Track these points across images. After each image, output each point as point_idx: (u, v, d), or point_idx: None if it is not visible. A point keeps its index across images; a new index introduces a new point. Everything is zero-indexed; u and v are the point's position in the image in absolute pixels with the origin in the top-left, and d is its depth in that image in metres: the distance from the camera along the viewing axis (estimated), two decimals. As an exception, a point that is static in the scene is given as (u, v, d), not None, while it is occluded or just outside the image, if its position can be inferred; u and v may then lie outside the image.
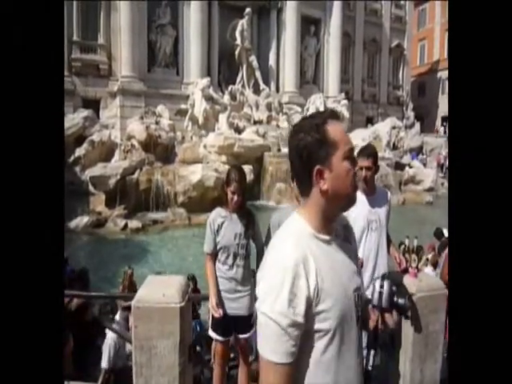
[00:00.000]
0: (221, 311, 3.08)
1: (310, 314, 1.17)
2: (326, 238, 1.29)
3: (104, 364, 4.36)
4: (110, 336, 4.44)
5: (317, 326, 1.20)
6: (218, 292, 3.15)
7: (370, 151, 3.33)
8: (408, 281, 3.26)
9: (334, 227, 1.35)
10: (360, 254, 3.17)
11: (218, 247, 3.17)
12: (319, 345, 1.22)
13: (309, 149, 1.24)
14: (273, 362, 1.16)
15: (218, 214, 3.20)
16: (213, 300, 3.10)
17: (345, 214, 3.26)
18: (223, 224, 3.16)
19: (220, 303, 3.12)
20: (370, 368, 1.76)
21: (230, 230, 3.15)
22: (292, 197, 3.49)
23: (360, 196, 3.27)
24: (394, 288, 1.59)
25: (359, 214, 3.22)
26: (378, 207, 3.31)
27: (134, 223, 13.27)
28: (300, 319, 1.15)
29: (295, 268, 1.16)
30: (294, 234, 1.26)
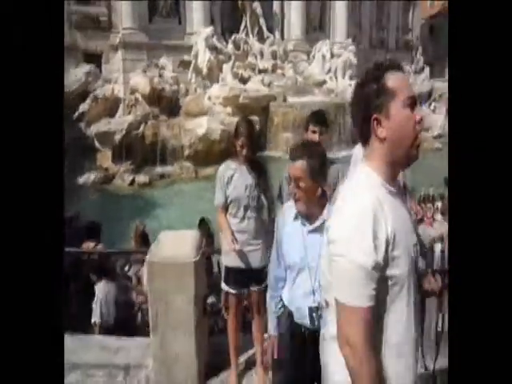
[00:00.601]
0: (237, 246, 3.03)
1: (386, 258, 1.21)
2: (393, 189, 1.32)
3: (95, 318, 4.48)
4: (101, 289, 4.52)
5: (390, 271, 1.23)
6: (233, 233, 3.11)
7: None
8: (425, 230, 3.27)
9: (397, 181, 1.39)
10: None
11: (229, 200, 3.14)
12: (392, 292, 1.25)
13: (367, 98, 1.31)
14: (356, 306, 1.19)
15: (227, 167, 3.16)
16: (228, 235, 3.06)
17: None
18: (233, 176, 3.11)
19: (235, 238, 3.07)
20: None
21: (240, 181, 3.10)
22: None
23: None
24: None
25: None
26: None
27: (141, 178, 13.32)
28: (382, 261, 1.19)
29: (374, 212, 1.19)
30: (365, 182, 1.29)
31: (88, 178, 13.06)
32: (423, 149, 16.67)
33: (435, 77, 29.60)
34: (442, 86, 28.37)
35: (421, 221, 3.44)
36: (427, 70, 26.91)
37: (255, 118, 15.12)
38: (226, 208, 3.18)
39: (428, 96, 25.33)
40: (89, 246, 5.02)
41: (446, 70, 36.89)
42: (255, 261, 3.18)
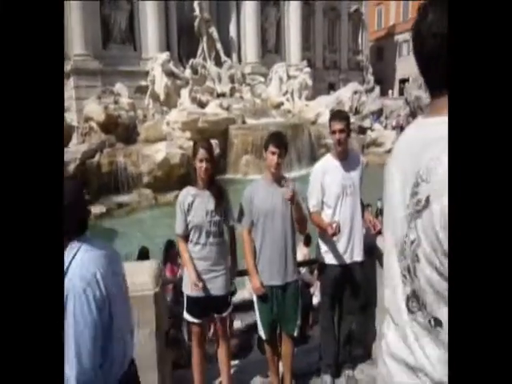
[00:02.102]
0: (201, 285, 2.95)
1: None
2: None
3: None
4: None
5: None
6: (195, 269, 3.02)
7: (342, 115, 3.37)
8: (382, 242, 3.28)
9: None
10: (336, 219, 3.17)
11: (190, 227, 3.05)
12: None
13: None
14: None
15: (187, 193, 3.08)
16: (192, 276, 2.97)
17: (319, 179, 3.25)
18: (193, 202, 3.03)
19: (199, 278, 2.99)
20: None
21: (200, 207, 3.03)
22: (262, 167, 3.44)
23: (333, 161, 3.29)
24: None
25: (334, 179, 3.24)
26: (352, 171, 3.32)
27: (97, 208, 12.88)
28: None
29: None
30: None
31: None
32: (377, 164, 17.15)
33: (384, 95, 30.79)
34: (391, 103, 29.56)
35: (379, 233, 3.47)
36: (377, 88, 27.92)
37: (215, 142, 15.13)
38: (186, 236, 3.09)
39: (379, 113, 26.22)
40: None
41: (395, 88, 38.49)
42: (217, 288, 3.09)
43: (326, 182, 3.25)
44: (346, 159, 3.31)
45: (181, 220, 3.05)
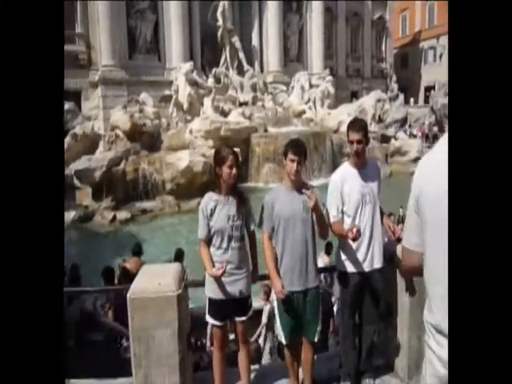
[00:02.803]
0: (222, 295, 3.03)
1: None
2: None
3: None
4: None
5: None
6: (231, 292, 3.09)
7: (360, 124, 3.31)
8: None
9: None
10: (364, 231, 3.18)
11: (212, 231, 3.12)
12: None
13: None
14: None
15: (209, 199, 3.14)
16: (209, 267, 3.04)
17: (338, 189, 3.23)
18: (216, 208, 3.10)
19: (220, 286, 3.06)
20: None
21: (222, 213, 3.09)
22: (283, 176, 3.47)
23: (352, 170, 3.28)
24: None
25: (353, 188, 3.23)
26: (371, 180, 3.31)
27: (122, 214, 13.16)
28: None
29: None
30: None
31: (67, 217, 12.81)
32: (401, 173, 16.89)
33: (411, 103, 30.46)
34: (416, 111, 29.19)
35: (398, 240, 3.46)
36: (402, 96, 27.70)
37: (237, 150, 15.22)
38: (209, 240, 3.16)
39: (403, 122, 25.96)
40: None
41: (420, 96, 38.01)
42: (239, 291, 3.14)
43: (345, 191, 3.24)
44: (365, 168, 3.30)
45: (204, 225, 3.11)
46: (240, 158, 14.65)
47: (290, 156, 3.01)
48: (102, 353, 4.45)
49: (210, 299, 3.20)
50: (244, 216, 3.15)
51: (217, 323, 3.20)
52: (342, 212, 3.26)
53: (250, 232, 3.25)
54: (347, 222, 3.25)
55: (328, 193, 3.31)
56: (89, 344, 4.41)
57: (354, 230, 2.99)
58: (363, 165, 3.29)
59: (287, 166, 3.04)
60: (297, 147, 3.06)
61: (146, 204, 14.09)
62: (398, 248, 3.34)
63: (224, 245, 3.11)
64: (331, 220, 3.24)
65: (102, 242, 11.13)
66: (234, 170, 3.04)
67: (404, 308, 3.44)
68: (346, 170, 3.31)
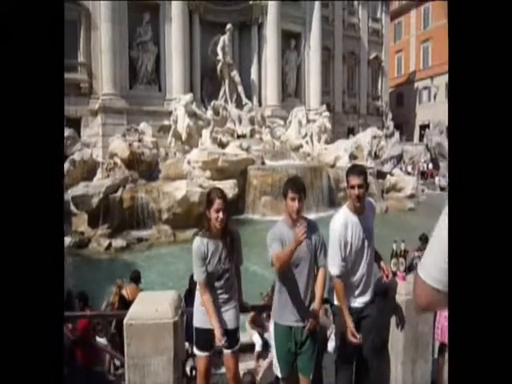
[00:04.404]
0: (225, 341, 2.99)
1: None
2: None
3: None
4: None
5: None
6: (221, 322, 3.07)
7: (360, 169, 3.30)
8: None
9: None
10: (361, 271, 3.25)
11: (207, 273, 3.12)
12: None
13: None
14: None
15: (201, 243, 3.11)
16: (218, 333, 2.98)
17: (341, 238, 3.22)
18: (207, 252, 3.09)
19: (224, 334, 3.02)
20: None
21: (216, 256, 3.10)
22: (280, 209, 3.52)
23: (353, 218, 3.24)
24: None
25: (354, 236, 3.23)
26: (369, 223, 3.34)
27: (118, 242, 13.11)
28: None
29: None
30: None
31: (63, 242, 12.76)
32: (397, 209, 17.00)
33: (403, 140, 30.94)
34: (411, 148, 29.66)
35: (394, 275, 3.51)
36: (397, 134, 28.17)
37: (234, 181, 15.35)
38: (207, 282, 3.11)
39: (399, 158, 26.28)
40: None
41: (415, 133, 38.66)
42: (228, 320, 3.14)
43: (348, 240, 3.21)
44: (363, 213, 3.29)
45: (201, 269, 3.08)
46: (236, 190, 14.64)
47: (291, 194, 3.01)
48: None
49: (197, 329, 3.19)
50: (235, 256, 3.20)
51: (203, 354, 3.18)
52: (344, 262, 3.21)
53: (237, 268, 3.30)
54: (347, 267, 3.25)
55: (330, 242, 3.25)
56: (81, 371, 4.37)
57: (359, 337, 3.13)
58: (363, 210, 3.28)
59: (288, 205, 3.03)
60: (296, 185, 3.07)
61: (142, 232, 14.05)
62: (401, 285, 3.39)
63: (215, 284, 3.14)
64: (333, 275, 3.21)
65: (97, 269, 11.06)
66: (221, 215, 3.00)
67: (398, 344, 3.46)
68: (347, 218, 3.26)
